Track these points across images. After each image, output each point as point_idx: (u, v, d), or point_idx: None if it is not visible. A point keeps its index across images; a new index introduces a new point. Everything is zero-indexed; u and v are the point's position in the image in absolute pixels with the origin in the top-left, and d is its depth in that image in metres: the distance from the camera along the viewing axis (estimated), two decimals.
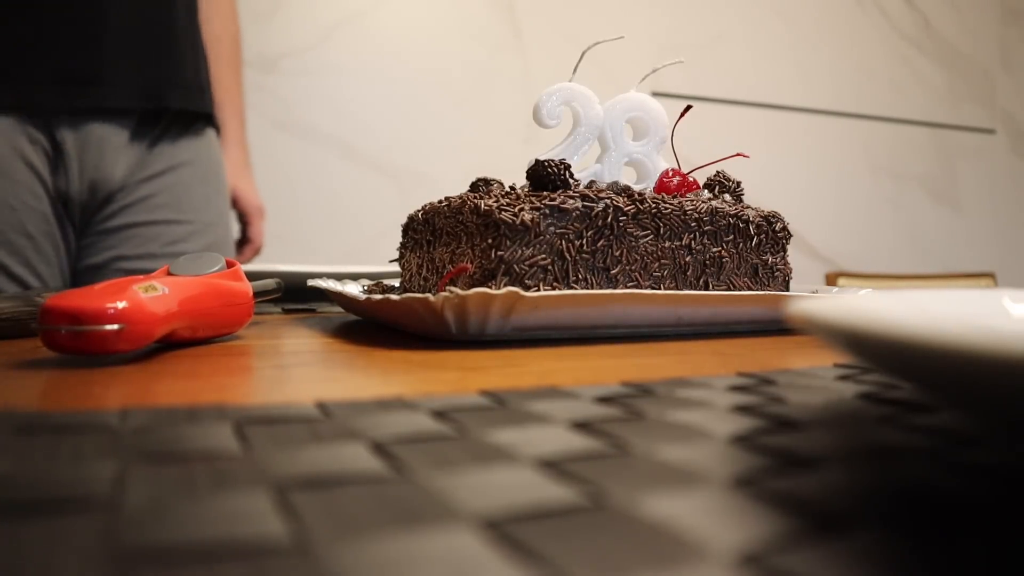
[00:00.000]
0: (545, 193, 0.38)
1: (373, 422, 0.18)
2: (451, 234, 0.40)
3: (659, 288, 0.39)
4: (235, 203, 0.97)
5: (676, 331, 0.39)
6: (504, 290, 0.32)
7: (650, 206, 0.39)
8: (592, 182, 0.44)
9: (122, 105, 0.79)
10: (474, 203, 0.37)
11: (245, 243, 0.99)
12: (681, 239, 0.40)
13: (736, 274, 0.42)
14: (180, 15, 0.84)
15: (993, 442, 0.17)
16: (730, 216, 0.42)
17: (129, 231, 0.83)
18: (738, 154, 0.47)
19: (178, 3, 0.84)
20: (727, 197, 0.44)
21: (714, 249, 0.41)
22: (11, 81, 0.75)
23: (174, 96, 0.83)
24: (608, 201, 0.38)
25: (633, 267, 0.39)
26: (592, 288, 0.37)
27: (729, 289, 0.42)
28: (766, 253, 0.43)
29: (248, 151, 1.01)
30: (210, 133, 0.91)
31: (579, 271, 0.37)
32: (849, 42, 1.97)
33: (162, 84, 0.82)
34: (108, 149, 0.81)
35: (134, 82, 0.80)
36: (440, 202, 0.42)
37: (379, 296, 0.37)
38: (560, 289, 0.36)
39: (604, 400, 0.21)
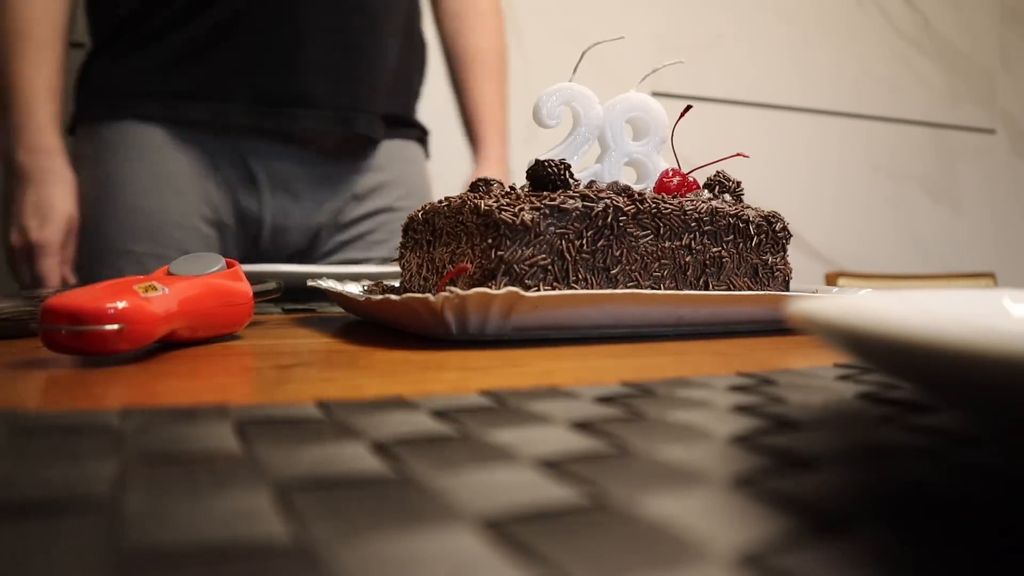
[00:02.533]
0: (545, 193, 0.38)
1: (373, 422, 0.18)
2: (451, 234, 0.40)
3: (659, 288, 0.39)
4: None
5: (676, 331, 0.39)
6: (504, 290, 0.32)
7: (650, 206, 0.39)
8: (592, 182, 0.44)
9: (312, 127, 0.81)
10: (474, 203, 0.37)
11: None
12: (681, 239, 0.40)
13: (736, 274, 0.42)
14: (383, 40, 0.85)
15: (993, 442, 0.17)
16: (730, 216, 0.42)
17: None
18: (738, 154, 0.47)
19: (383, 28, 0.85)
20: (727, 197, 0.44)
21: (714, 249, 0.41)
22: (207, 100, 0.79)
23: (363, 122, 0.85)
24: (608, 201, 0.38)
25: (633, 267, 0.39)
26: (592, 288, 0.37)
27: (729, 289, 0.42)
28: (766, 253, 0.43)
29: (509, 169, 0.99)
30: (416, 154, 0.94)
31: (579, 271, 0.37)
32: (849, 42, 1.97)
33: (354, 110, 0.84)
34: (304, 187, 0.84)
35: (326, 106, 0.82)
36: (440, 202, 0.42)
37: (379, 296, 0.37)
38: (560, 289, 0.36)
39: (604, 400, 0.21)
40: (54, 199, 0.76)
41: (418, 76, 0.95)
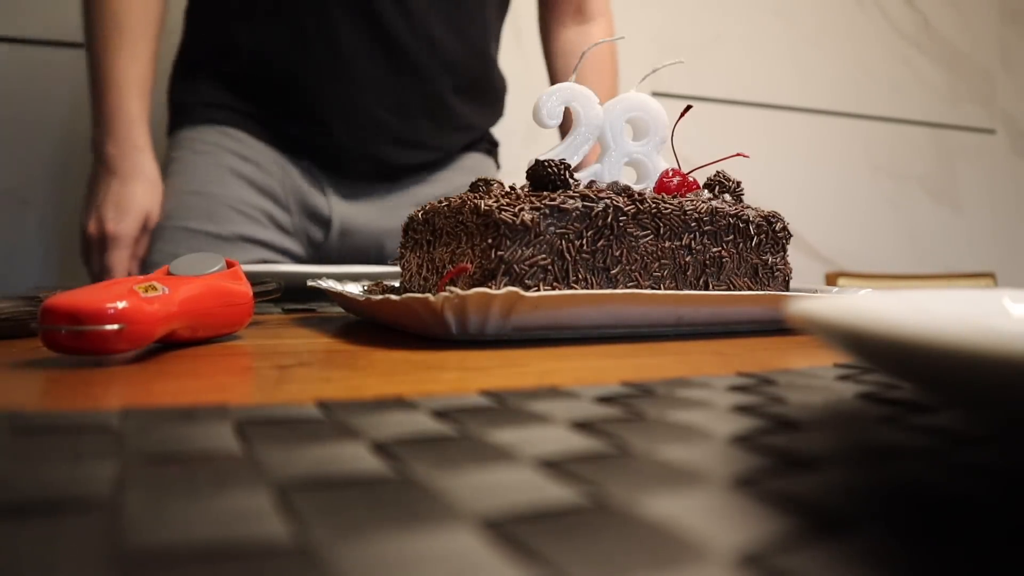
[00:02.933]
0: (545, 193, 0.38)
1: (373, 422, 0.18)
2: (451, 234, 0.40)
3: (659, 288, 0.39)
4: None
5: (676, 331, 0.39)
6: (504, 290, 0.32)
7: (650, 206, 0.39)
8: (592, 182, 0.44)
9: (358, 169, 0.87)
10: (474, 203, 0.37)
11: None
12: (681, 239, 0.40)
13: (736, 274, 0.42)
14: (435, 100, 0.88)
15: (993, 442, 0.17)
16: (730, 216, 0.42)
17: None
18: (738, 154, 0.47)
19: (438, 88, 0.87)
20: (727, 197, 0.44)
21: (714, 249, 0.41)
22: (273, 132, 0.85)
23: (408, 173, 0.90)
24: (608, 201, 0.38)
25: (633, 267, 0.39)
26: (592, 288, 0.37)
27: (729, 289, 0.42)
28: (766, 253, 0.43)
29: None
30: (484, 164, 0.97)
31: (579, 271, 0.37)
32: (849, 42, 1.97)
33: (400, 164, 0.89)
34: (369, 196, 0.89)
35: (373, 158, 0.87)
36: (440, 202, 0.42)
37: (379, 296, 0.37)
38: (560, 289, 0.36)
39: (604, 400, 0.21)
40: (135, 194, 0.79)
41: (489, 118, 0.98)
